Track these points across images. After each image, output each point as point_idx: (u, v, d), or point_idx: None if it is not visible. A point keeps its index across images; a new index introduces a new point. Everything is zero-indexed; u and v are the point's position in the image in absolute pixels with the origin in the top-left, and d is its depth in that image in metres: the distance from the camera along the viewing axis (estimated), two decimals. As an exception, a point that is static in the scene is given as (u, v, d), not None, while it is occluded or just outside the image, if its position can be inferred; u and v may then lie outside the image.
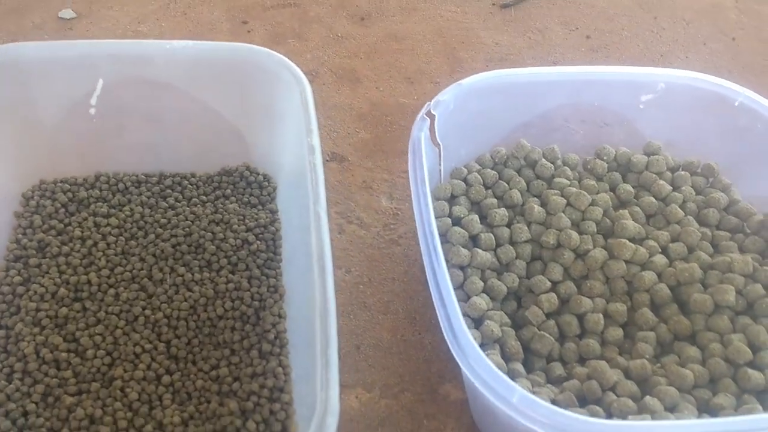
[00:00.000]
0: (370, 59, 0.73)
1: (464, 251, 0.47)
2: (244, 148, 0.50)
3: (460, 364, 0.36)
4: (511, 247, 0.49)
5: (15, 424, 0.37)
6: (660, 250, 0.48)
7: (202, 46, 0.46)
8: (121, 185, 0.49)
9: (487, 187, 0.52)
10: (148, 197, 0.49)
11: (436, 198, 0.51)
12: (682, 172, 0.53)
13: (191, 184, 0.50)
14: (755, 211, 0.50)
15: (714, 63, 0.76)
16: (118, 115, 0.47)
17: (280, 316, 0.43)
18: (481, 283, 0.46)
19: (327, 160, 0.62)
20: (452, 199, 0.52)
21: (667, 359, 0.43)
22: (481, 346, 0.43)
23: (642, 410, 0.39)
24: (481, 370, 0.35)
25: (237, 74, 0.47)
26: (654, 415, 0.38)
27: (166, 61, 0.45)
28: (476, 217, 0.49)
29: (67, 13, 0.76)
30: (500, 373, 0.35)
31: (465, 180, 0.52)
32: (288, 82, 0.44)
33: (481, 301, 0.45)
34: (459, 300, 0.46)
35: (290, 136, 0.45)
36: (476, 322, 0.45)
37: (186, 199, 0.49)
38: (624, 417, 0.38)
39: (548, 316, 0.46)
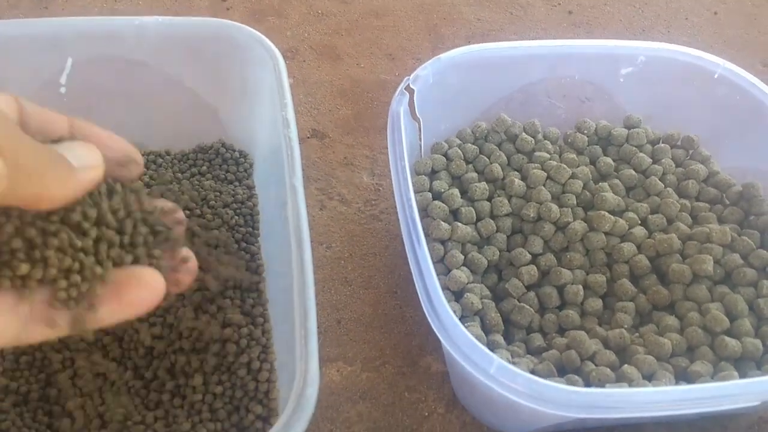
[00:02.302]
0: (350, 36, 0.72)
1: (444, 225, 0.47)
2: (219, 124, 0.50)
3: (438, 335, 0.36)
4: (491, 221, 0.49)
5: None
6: (639, 221, 0.49)
7: (173, 22, 0.45)
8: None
9: (467, 162, 0.52)
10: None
11: (416, 173, 0.51)
12: (662, 145, 0.53)
13: (166, 162, 0.50)
14: (734, 182, 0.51)
15: (696, 37, 0.76)
16: (89, 93, 0.46)
17: (259, 291, 0.43)
18: (462, 257, 0.46)
19: (308, 137, 0.61)
20: (433, 174, 0.51)
21: (645, 329, 0.43)
22: (462, 318, 0.44)
23: (620, 379, 0.39)
24: (460, 342, 0.35)
25: (209, 50, 0.46)
26: (631, 383, 0.38)
27: (136, 38, 0.45)
28: (457, 191, 0.49)
29: (42, -9, 0.75)
30: (478, 344, 0.35)
31: (446, 154, 0.52)
32: (261, 57, 0.44)
33: (462, 275, 0.45)
34: (440, 273, 0.46)
35: (265, 111, 0.44)
36: (457, 295, 0.45)
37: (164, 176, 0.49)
38: (602, 385, 0.38)
39: (528, 288, 0.47)
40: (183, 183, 0.47)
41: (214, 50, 0.47)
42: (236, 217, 0.45)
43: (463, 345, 0.35)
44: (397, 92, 0.48)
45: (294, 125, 0.40)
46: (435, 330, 0.36)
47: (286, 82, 0.42)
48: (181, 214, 0.28)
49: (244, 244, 0.45)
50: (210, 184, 0.48)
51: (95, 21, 0.46)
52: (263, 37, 0.44)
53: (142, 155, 0.50)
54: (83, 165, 0.23)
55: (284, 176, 0.39)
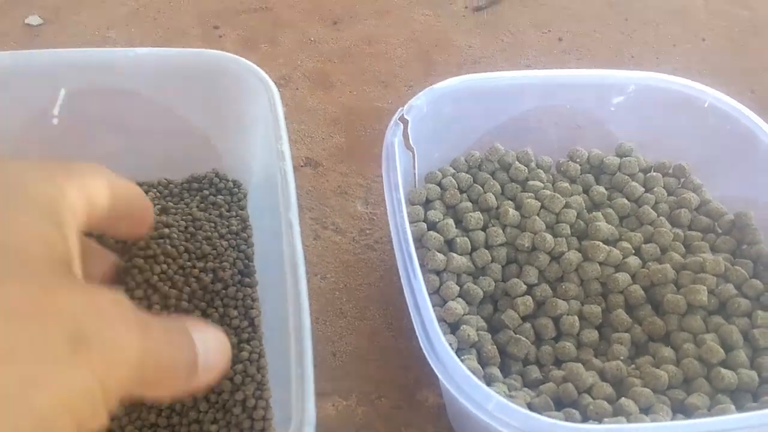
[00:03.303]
0: (343, 63, 0.72)
1: (440, 256, 0.47)
2: (213, 154, 0.49)
3: (436, 371, 0.36)
4: (486, 251, 0.49)
5: None
6: (633, 251, 0.49)
7: (167, 53, 0.45)
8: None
9: (461, 191, 0.52)
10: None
11: (411, 203, 0.51)
12: (654, 174, 0.54)
13: (160, 193, 0.49)
14: (726, 210, 0.51)
15: (684, 64, 0.77)
16: (82, 124, 0.46)
17: (254, 325, 0.42)
18: (457, 288, 0.46)
19: (301, 166, 0.61)
20: (427, 204, 0.51)
21: (641, 360, 0.43)
22: (458, 351, 0.43)
23: (617, 412, 0.39)
24: (457, 377, 0.35)
25: (203, 81, 0.46)
26: (629, 417, 0.38)
27: (130, 69, 0.45)
28: (451, 221, 0.49)
29: (34, 19, 0.75)
30: (476, 380, 0.35)
31: (440, 184, 0.52)
32: (256, 87, 0.44)
33: (457, 306, 0.45)
34: (435, 305, 0.46)
35: (259, 142, 0.44)
36: (452, 327, 0.45)
37: (156, 207, 0.48)
38: (600, 419, 0.38)
39: (524, 319, 0.46)
40: (178, 214, 0.47)
41: (209, 81, 0.47)
42: (230, 249, 0.45)
43: (461, 380, 0.35)
44: (391, 123, 0.48)
45: (289, 158, 0.40)
46: (432, 365, 0.36)
47: (281, 114, 0.42)
48: None
49: (239, 277, 0.44)
50: (204, 215, 0.48)
51: (89, 52, 0.46)
52: (258, 68, 0.44)
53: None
54: (207, 366, 0.21)
55: (278, 208, 0.38)
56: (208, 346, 0.22)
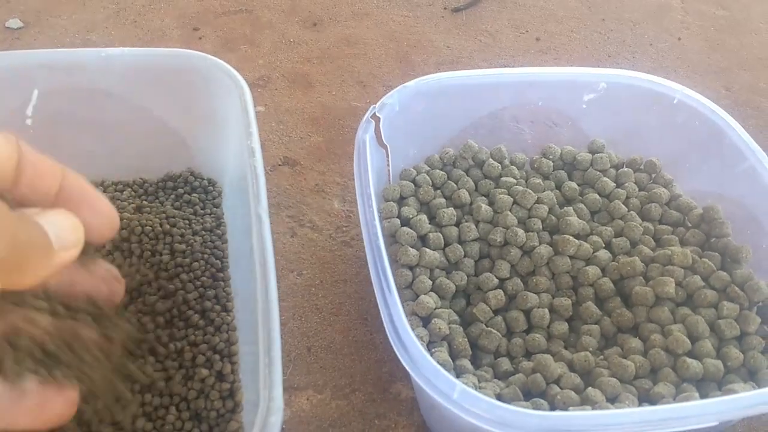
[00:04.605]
0: (322, 64, 0.73)
1: (412, 251, 0.47)
2: (187, 153, 0.50)
3: (402, 361, 0.36)
4: (459, 246, 0.49)
5: None
6: (604, 245, 0.49)
7: (138, 53, 0.45)
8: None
9: (435, 188, 0.53)
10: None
11: (385, 199, 0.51)
12: (626, 169, 0.54)
13: (135, 192, 0.50)
14: (695, 205, 0.52)
15: (660, 63, 0.78)
16: (55, 124, 0.47)
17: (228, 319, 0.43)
18: (430, 282, 0.47)
19: (279, 165, 0.62)
20: (401, 200, 0.52)
21: (610, 351, 0.44)
22: (429, 344, 0.44)
23: (584, 402, 0.40)
24: (422, 367, 0.36)
25: (176, 80, 0.46)
26: (595, 406, 0.39)
27: (103, 69, 0.45)
28: (425, 217, 0.50)
29: (15, 22, 0.75)
30: (441, 369, 0.35)
31: (414, 181, 0.53)
32: (227, 86, 0.44)
33: (429, 300, 0.45)
34: (408, 299, 0.46)
35: (233, 140, 0.45)
36: (425, 320, 0.45)
37: (131, 206, 0.49)
38: (566, 409, 0.39)
39: (496, 312, 0.47)
40: (152, 213, 0.47)
41: (181, 80, 0.47)
42: (203, 245, 0.46)
43: (426, 370, 0.35)
44: (363, 120, 0.49)
45: (259, 154, 0.41)
46: (398, 355, 0.36)
47: (251, 111, 0.43)
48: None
49: (213, 271, 0.45)
50: (179, 213, 0.48)
51: (60, 53, 0.46)
52: (229, 66, 0.45)
53: (111, 185, 0.51)
54: (62, 245, 0.22)
55: (250, 204, 0.39)
56: (59, 227, 0.23)
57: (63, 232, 0.23)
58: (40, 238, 0.21)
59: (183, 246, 0.46)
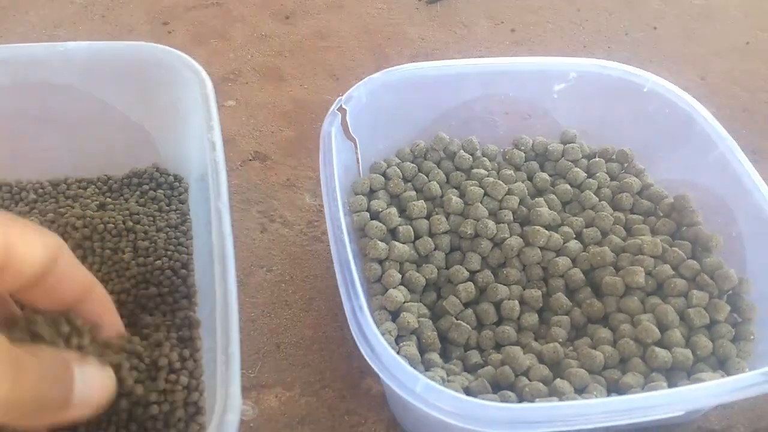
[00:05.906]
0: (294, 57, 0.72)
1: (381, 245, 0.47)
2: (152, 149, 0.49)
3: (364, 355, 0.36)
4: (429, 239, 0.49)
5: None
6: (574, 235, 0.49)
7: (99, 47, 0.44)
8: (24, 194, 0.48)
9: (406, 180, 0.52)
10: (55, 205, 0.47)
11: (355, 192, 0.51)
12: (597, 159, 0.54)
13: (99, 189, 0.49)
14: (666, 194, 0.52)
15: (636, 52, 0.78)
16: (16, 121, 0.46)
17: (191, 317, 0.42)
18: (399, 276, 0.46)
19: (249, 160, 0.61)
20: (371, 194, 0.51)
21: (579, 342, 0.44)
22: (398, 338, 0.43)
23: (553, 393, 0.39)
24: (386, 362, 0.35)
25: (138, 74, 0.45)
26: (563, 397, 0.38)
27: (63, 63, 0.44)
28: (395, 210, 0.49)
29: (-19, 18, 0.74)
30: (403, 363, 0.35)
31: (384, 174, 0.52)
32: (188, 79, 0.44)
33: (398, 294, 0.45)
34: (377, 293, 0.46)
35: (196, 134, 0.44)
36: (394, 314, 0.45)
37: (94, 203, 0.48)
38: (533, 401, 0.38)
39: (466, 305, 0.47)
40: (116, 209, 0.47)
41: (144, 74, 0.46)
42: (168, 242, 0.45)
43: (390, 365, 0.35)
44: (329, 113, 0.48)
45: (220, 147, 0.40)
46: (361, 350, 0.36)
47: (213, 104, 0.42)
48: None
49: (177, 266, 0.44)
50: (144, 209, 0.47)
51: (18, 48, 0.45)
52: (190, 59, 0.44)
53: (74, 182, 0.50)
54: (84, 401, 0.22)
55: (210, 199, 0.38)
56: (89, 383, 0.23)
57: (90, 390, 0.23)
58: (61, 392, 0.21)
59: (146, 243, 0.45)
